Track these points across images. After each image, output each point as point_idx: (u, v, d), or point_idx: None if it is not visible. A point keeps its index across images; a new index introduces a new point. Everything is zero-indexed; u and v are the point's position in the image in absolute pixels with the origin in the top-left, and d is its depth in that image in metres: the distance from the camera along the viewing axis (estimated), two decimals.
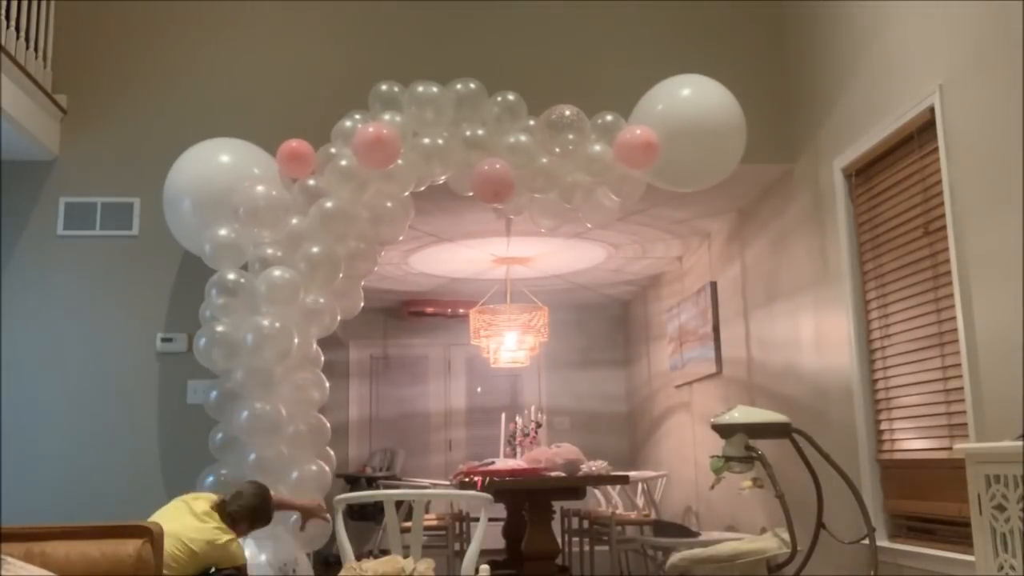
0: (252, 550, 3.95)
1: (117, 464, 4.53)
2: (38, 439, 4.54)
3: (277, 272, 4.15)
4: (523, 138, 4.35)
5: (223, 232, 4.26)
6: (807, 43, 4.87)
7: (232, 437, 4.19)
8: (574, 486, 5.17)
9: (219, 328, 4.14)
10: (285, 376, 4.25)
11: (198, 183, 4.36)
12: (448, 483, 6.59)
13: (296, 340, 4.19)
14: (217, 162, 4.40)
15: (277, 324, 4.11)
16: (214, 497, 3.55)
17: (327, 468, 4.40)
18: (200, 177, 4.37)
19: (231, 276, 4.19)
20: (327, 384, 4.52)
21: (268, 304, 4.15)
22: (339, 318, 4.45)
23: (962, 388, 3.45)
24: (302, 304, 4.23)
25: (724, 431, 3.74)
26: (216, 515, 3.45)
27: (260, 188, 4.26)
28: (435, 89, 4.41)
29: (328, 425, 4.50)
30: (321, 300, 4.30)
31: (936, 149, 3.63)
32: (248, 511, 3.54)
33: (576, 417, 9.09)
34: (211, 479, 4.18)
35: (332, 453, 4.53)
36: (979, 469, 2.65)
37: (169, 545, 3.20)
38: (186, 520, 3.37)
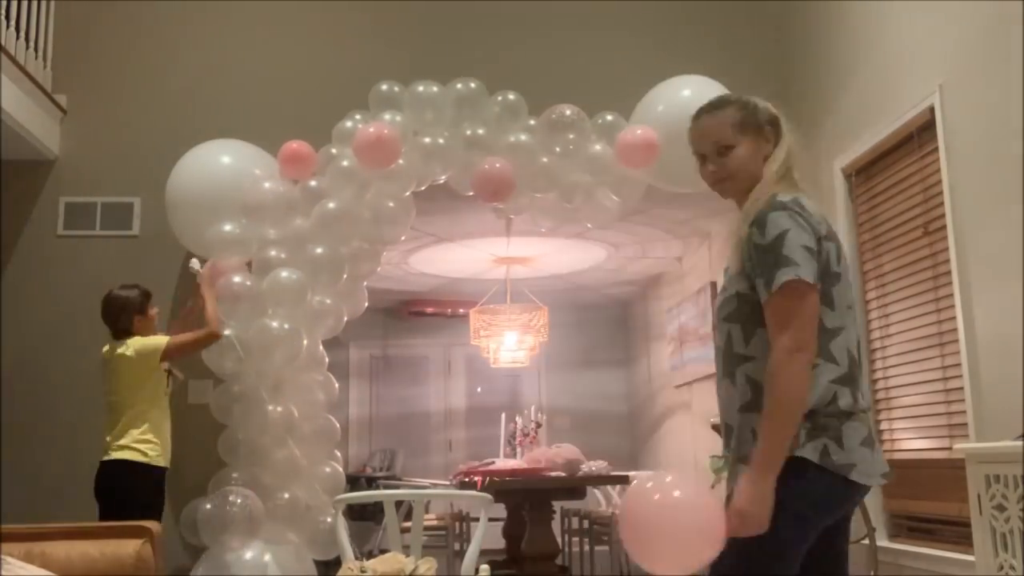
0: (258, 552, 3.96)
1: None
2: (39, 439, 4.54)
3: (284, 273, 4.13)
4: (523, 138, 4.35)
5: (227, 228, 4.23)
6: (807, 43, 4.86)
7: (241, 440, 4.16)
8: (574, 486, 5.17)
9: (226, 332, 4.11)
10: (293, 377, 4.24)
11: (200, 185, 4.34)
12: (448, 483, 6.58)
13: (305, 342, 4.17)
14: (219, 164, 4.39)
15: (286, 326, 4.08)
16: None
17: (340, 469, 4.40)
18: (202, 179, 4.35)
19: (236, 279, 4.17)
20: (336, 385, 4.52)
21: (276, 306, 4.13)
22: (345, 319, 4.44)
23: (962, 388, 3.45)
24: (309, 305, 4.22)
25: None
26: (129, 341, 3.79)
27: (268, 184, 4.25)
28: (435, 89, 4.41)
29: (338, 426, 4.49)
30: (327, 301, 4.29)
31: (936, 149, 3.63)
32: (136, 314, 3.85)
33: (576, 417, 9.07)
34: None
35: (339, 454, 4.53)
36: (979, 469, 2.65)
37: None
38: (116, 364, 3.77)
